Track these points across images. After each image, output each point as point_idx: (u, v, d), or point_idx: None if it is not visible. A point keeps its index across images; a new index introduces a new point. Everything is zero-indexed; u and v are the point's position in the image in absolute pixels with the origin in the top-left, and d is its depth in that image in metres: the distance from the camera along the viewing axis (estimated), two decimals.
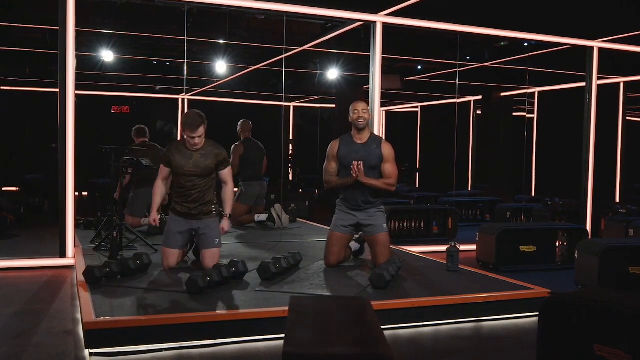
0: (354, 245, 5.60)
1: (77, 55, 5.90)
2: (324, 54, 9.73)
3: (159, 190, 4.99)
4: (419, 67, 10.90)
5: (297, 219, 8.57)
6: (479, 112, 13.58)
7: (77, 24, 5.83)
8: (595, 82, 7.96)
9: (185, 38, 7.23)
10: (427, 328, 4.00)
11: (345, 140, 5.11)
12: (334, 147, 5.12)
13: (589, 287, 5.09)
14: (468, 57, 9.61)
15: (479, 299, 4.24)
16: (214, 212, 4.99)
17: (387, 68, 10.12)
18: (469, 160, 13.36)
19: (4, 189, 11.49)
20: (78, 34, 5.89)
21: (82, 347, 3.46)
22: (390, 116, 16.08)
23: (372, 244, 5.13)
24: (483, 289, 4.47)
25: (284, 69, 8.51)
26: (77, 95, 5.89)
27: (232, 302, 3.98)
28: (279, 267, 4.68)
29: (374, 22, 6.89)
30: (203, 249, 4.94)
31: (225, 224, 4.99)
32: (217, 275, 4.26)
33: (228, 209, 5.03)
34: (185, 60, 8.21)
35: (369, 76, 7.06)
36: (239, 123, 7.87)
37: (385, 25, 6.93)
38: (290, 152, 14.05)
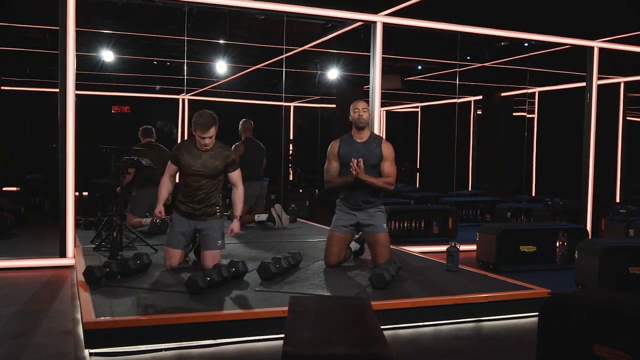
0: (354, 245, 5.59)
1: (77, 55, 5.90)
2: (324, 54, 9.73)
3: (166, 185, 4.99)
4: (419, 67, 10.90)
5: (298, 219, 8.57)
6: (479, 112, 13.58)
7: (77, 24, 5.83)
8: (595, 82, 7.96)
9: (186, 38, 7.23)
10: (427, 328, 4.00)
11: (346, 139, 5.12)
12: (334, 146, 5.12)
13: (589, 287, 5.09)
14: (468, 57, 9.61)
15: (479, 299, 4.24)
16: (218, 214, 4.99)
17: (388, 68, 10.11)
18: (469, 160, 13.36)
19: (4, 189, 11.49)
20: (78, 34, 5.90)
21: (82, 347, 3.46)
22: (390, 116, 16.07)
23: (372, 244, 5.13)
24: (483, 289, 4.46)
25: (284, 69, 8.51)
26: (77, 95, 5.89)
27: (232, 302, 3.97)
28: (279, 267, 4.68)
29: (374, 22, 6.89)
30: (205, 249, 4.94)
31: (236, 225, 4.97)
32: (217, 275, 4.26)
33: (238, 211, 5.02)
34: (186, 60, 8.22)
35: (369, 76, 7.06)
36: (240, 122, 7.85)
37: (386, 25, 6.92)
38: (291, 152, 14.05)
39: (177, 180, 5.20)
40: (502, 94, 12.65)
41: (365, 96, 9.37)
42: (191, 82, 11.32)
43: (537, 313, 2.91)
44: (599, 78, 8.06)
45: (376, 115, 6.94)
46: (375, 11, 6.84)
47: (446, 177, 10.72)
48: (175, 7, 6.67)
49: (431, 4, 6.56)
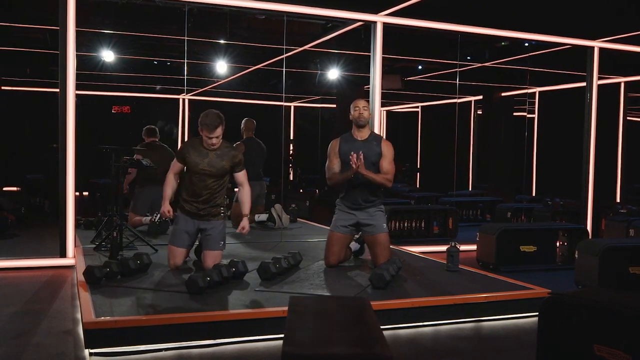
0: (354, 245, 5.60)
1: (77, 55, 5.90)
2: (324, 54, 9.73)
3: (170, 184, 4.99)
4: (420, 67, 10.90)
5: (298, 219, 8.57)
6: (479, 112, 13.59)
7: (78, 24, 5.83)
8: (595, 82, 7.96)
9: (186, 38, 7.23)
10: (427, 328, 4.00)
11: (346, 138, 5.13)
12: (334, 145, 5.13)
13: (589, 287, 5.09)
14: (468, 57, 9.61)
15: (479, 299, 4.24)
16: (222, 214, 4.98)
17: (388, 68, 10.12)
18: (469, 160, 13.36)
19: (4, 188, 11.51)
20: (78, 34, 5.90)
21: (82, 347, 3.46)
22: (390, 116, 16.08)
23: (372, 244, 5.13)
24: (483, 289, 4.46)
25: (284, 69, 8.51)
26: (77, 95, 5.89)
27: (232, 302, 3.97)
28: (279, 267, 4.68)
29: (374, 22, 6.89)
30: (206, 249, 4.94)
31: (245, 223, 4.97)
32: (217, 275, 4.26)
33: (247, 209, 5.02)
34: (186, 60, 8.22)
35: (369, 76, 7.06)
36: (243, 121, 7.81)
37: (386, 25, 6.92)
38: (291, 152, 14.05)
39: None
40: (503, 94, 12.65)
41: (365, 96, 9.37)
42: (191, 82, 11.34)
43: (537, 313, 2.91)
44: (599, 78, 8.06)
45: (376, 115, 6.94)
46: (376, 11, 6.84)
47: (446, 177, 10.73)
48: (176, 7, 6.68)
49: (431, 4, 6.56)
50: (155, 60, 10.23)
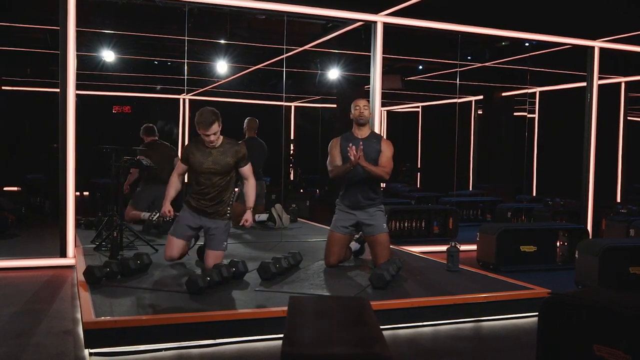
0: (354, 245, 5.60)
1: (77, 55, 5.90)
2: (324, 54, 9.73)
3: (174, 185, 5.01)
4: (420, 67, 10.90)
5: (298, 218, 8.57)
6: (480, 112, 13.58)
7: (78, 24, 5.84)
8: (596, 82, 7.96)
9: (186, 38, 7.23)
10: (426, 328, 4.00)
11: (347, 136, 5.15)
12: (335, 142, 5.15)
13: (589, 287, 5.09)
14: (469, 57, 9.61)
15: (478, 299, 4.24)
16: (228, 215, 4.98)
17: (388, 68, 10.12)
18: (469, 160, 13.36)
19: (5, 188, 11.50)
20: (79, 34, 5.90)
21: (82, 346, 3.46)
22: (391, 116, 16.08)
23: (372, 244, 5.13)
24: (483, 289, 4.46)
25: (284, 69, 8.51)
26: (78, 95, 5.89)
27: (232, 302, 3.98)
28: (279, 267, 4.68)
29: (375, 22, 6.89)
30: (209, 249, 4.94)
31: (249, 216, 4.97)
32: (217, 275, 4.26)
33: (251, 202, 5.03)
34: (186, 60, 8.22)
35: (369, 76, 7.06)
36: (245, 121, 7.79)
37: (386, 25, 6.92)
38: (292, 152, 14.05)
39: (186, 180, 5.20)
40: (503, 94, 12.64)
41: (366, 96, 9.37)
42: (192, 82, 11.33)
43: (537, 313, 2.91)
44: (600, 78, 8.05)
45: (377, 115, 6.94)
46: (376, 11, 6.84)
47: (447, 177, 10.73)
48: (176, 7, 6.68)
49: (431, 4, 6.56)
50: (156, 60, 10.23)
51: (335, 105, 12.80)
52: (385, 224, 5.13)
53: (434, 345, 3.75)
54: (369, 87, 7.13)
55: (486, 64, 9.81)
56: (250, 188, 5.01)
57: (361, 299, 3.15)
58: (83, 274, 4.36)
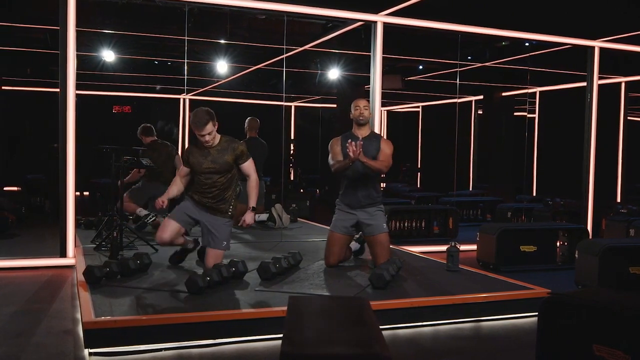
0: (354, 245, 5.60)
1: (78, 55, 5.91)
2: (324, 53, 9.73)
3: (177, 184, 4.99)
4: (420, 67, 10.90)
5: (298, 218, 8.57)
6: (480, 112, 13.58)
7: (78, 23, 5.84)
8: (596, 82, 7.96)
9: (186, 38, 7.23)
10: (426, 328, 4.00)
11: (347, 136, 5.15)
12: (336, 141, 5.14)
13: (589, 287, 5.09)
14: (469, 57, 9.61)
15: (478, 299, 4.24)
16: (230, 213, 4.95)
17: (388, 68, 10.12)
18: (470, 160, 13.37)
19: (5, 188, 11.50)
20: (79, 34, 5.90)
21: (82, 346, 3.46)
22: (391, 116, 16.08)
23: (372, 244, 5.13)
24: (483, 289, 4.46)
25: (284, 69, 8.51)
26: (78, 95, 5.89)
27: (231, 302, 3.97)
28: (278, 267, 4.68)
29: (375, 22, 6.89)
30: (209, 247, 4.92)
31: (248, 217, 4.92)
32: (217, 275, 4.26)
33: (252, 202, 4.95)
34: (186, 60, 8.22)
35: (369, 76, 7.06)
36: (247, 121, 7.76)
37: (386, 25, 6.92)
38: (292, 152, 14.06)
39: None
40: (503, 94, 12.65)
41: (366, 96, 9.38)
42: (192, 82, 11.34)
43: (536, 313, 2.91)
44: (600, 78, 8.05)
45: (377, 115, 6.94)
46: (376, 11, 6.84)
47: (447, 177, 10.73)
48: (176, 7, 6.68)
49: (431, 3, 6.56)
50: (156, 60, 10.24)
51: (335, 105, 12.80)
52: (385, 224, 5.13)
53: (433, 345, 3.75)
54: (369, 87, 7.13)
55: (486, 64, 9.81)
56: (252, 185, 4.93)
57: (361, 299, 3.15)
58: (83, 273, 4.37)
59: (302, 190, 12.92)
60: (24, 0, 7.41)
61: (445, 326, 4.05)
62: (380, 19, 6.88)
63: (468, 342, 3.82)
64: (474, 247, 6.53)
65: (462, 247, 5.37)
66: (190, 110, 12.27)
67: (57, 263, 5.81)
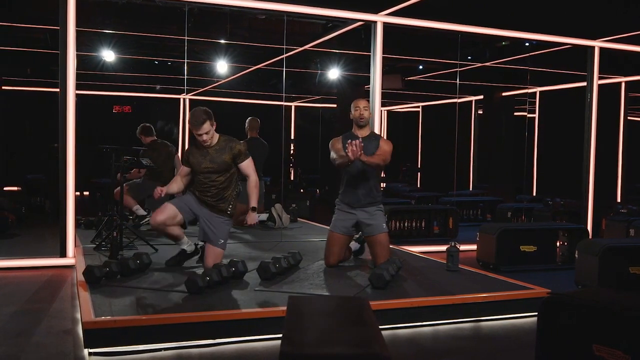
0: (354, 245, 5.60)
1: (77, 55, 5.91)
2: (324, 53, 9.73)
3: (177, 182, 5.00)
4: (420, 67, 10.90)
5: (298, 218, 8.57)
6: (480, 112, 13.58)
7: (78, 23, 5.84)
8: (596, 82, 7.95)
9: (186, 38, 7.23)
10: (426, 328, 4.00)
11: (347, 136, 5.15)
12: (336, 140, 5.14)
13: (589, 287, 5.09)
14: (469, 57, 9.61)
15: (478, 299, 4.24)
16: (229, 212, 4.93)
17: (388, 68, 10.12)
18: (470, 160, 13.36)
19: (5, 188, 11.51)
20: (79, 34, 5.90)
21: (82, 346, 3.46)
22: (391, 116, 16.08)
23: (371, 244, 5.13)
24: (482, 289, 4.46)
25: (284, 69, 8.51)
26: (78, 95, 5.89)
27: (231, 302, 3.97)
28: (278, 267, 4.68)
29: (375, 22, 6.89)
30: (207, 242, 4.91)
31: (250, 217, 4.92)
32: (216, 275, 4.26)
33: (253, 202, 4.94)
34: (186, 60, 8.22)
35: (369, 76, 7.06)
36: (247, 120, 7.76)
37: (386, 25, 6.92)
38: (292, 151, 14.05)
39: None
40: (503, 94, 12.65)
41: (366, 96, 9.38)
42: (192, 81, 11.34)
43: (536, 313, 2.91)
44: (600, 78, 8.05)
45: (377, 115, 6.94)
46: (376, 11, 6.84)
47: (447, 177, 10.73)
48: (176, 7, 6.67)
49: (431, 3, 6.56)
50: (156, 60, 10.23)
51: (335, 105, 12.80)
52: (384, 224, 5.13)
53: (433, 345, 3.75)
54: (369, 87, 7.13)
55: (486, 63, 9.81)
56: (252, 186, 4.93)
57: (360, 299, 3.14)
58: (83, 273, 4.37)
59: (302, 190, 12.92)
60: (24, 0, 7.41)
61: (445, 326, 4.05)
62: (380, 18, 6.88)
63: (468, 342, 3.82)
64: (474, 247, 6.53)
65: (462, 247, 5.37)
66: (190, 111, 12.27)
67: (57, 263, 5.81)
